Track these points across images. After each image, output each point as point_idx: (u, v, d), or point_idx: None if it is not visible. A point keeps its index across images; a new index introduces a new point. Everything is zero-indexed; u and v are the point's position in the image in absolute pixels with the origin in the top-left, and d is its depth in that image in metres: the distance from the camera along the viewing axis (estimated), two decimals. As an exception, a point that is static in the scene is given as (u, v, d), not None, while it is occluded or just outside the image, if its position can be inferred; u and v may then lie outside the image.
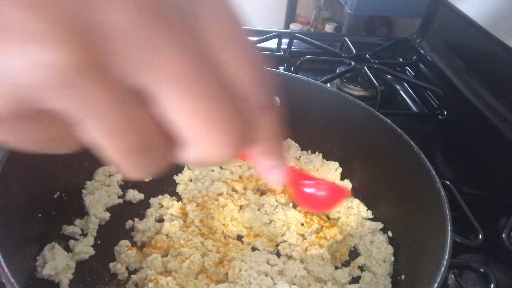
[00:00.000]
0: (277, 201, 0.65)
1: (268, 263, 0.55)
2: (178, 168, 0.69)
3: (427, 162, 0.52)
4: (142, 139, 0.18)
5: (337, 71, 0.95)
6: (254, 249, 0.59)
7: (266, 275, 0.53)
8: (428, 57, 1.05)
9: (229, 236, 0.60)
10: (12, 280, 0.37)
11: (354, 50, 1.02)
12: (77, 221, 0.58)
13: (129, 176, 0.20)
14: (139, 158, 0.19)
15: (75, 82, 0.15)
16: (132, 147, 0.18)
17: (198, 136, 0.18)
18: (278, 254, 0.58)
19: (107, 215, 0.59)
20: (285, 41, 1.06)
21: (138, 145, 0.18)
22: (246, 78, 0.20)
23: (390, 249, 0.58)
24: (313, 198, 0.36)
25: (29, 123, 0.17)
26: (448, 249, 0.43)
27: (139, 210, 0.62)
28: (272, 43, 1.06)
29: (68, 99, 0.15)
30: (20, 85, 0.15)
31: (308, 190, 0.35)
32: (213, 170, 0.68)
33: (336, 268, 0.57)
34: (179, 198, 0.64)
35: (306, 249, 0.58)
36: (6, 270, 0.37)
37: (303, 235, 0.60)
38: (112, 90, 0.16)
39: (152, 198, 0.63)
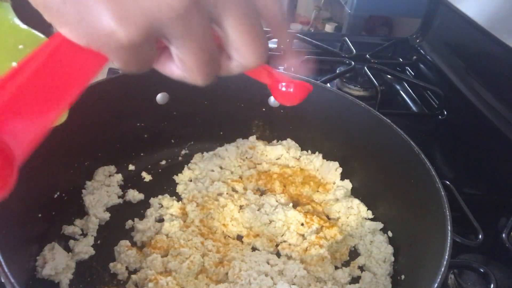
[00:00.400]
0: (277, 201, 0.65)
1: (268, 263, 0.55)
2: (178, 168, 0.69)
3: (427, 162, 0.52)
4: (212, 54, 0.28)
5: (337, 71, 0.95)
6: (254, 249, 0.59)
7: (266, 275, 0.53)
8: (428, 57, 1.04)
9: (229, 236, 0.60)
10: (12, 280, 0.37)
11: (354, 50, 1.02)
12: (77, 221, 0.58)
13: (196, 82, 0.29)
14: (207, 67, 0.28)
15: (186, 16, 0.24)
16: (206, 60, 0.27)
17: (244, 45, 0.28)
18: (278, 254, 0.58)
19: (107, 215, 0.59)
20: (285, 41, 1.06)
21: (209, 58, 0.28)
22: (272, 9, 0.31)
23: (390, 249, 0.58)
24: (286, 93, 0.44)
25: (146, 47, 0.25)
26: (448, 249, 0.43)
27: (139, 210, 0.62)
28: (272, 43, 1.06)
29: (178, 27, 0.25)
30: (153, 18, 0.24)
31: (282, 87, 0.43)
32: (213, 170, 0.68)
33: (336, 268, 0.57)
34: (179, 198, 0.64)
35: (306, 249, 0.58)
36: (6, 270, 0.37)
37: (303, 235, 0.60)
38: (203, 21, 0.25)
39: (152, 198, 0.63)
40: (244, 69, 0.31)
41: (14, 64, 0.41)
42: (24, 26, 0.43)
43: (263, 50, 0.30)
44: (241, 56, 0.29)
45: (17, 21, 0.43)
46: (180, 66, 0.28)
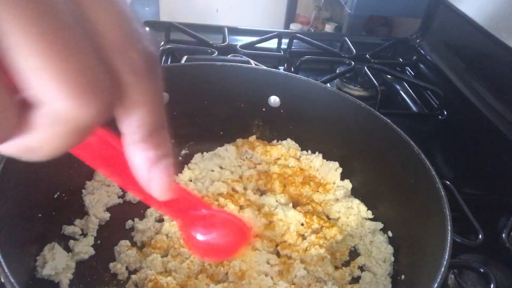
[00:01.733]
0: (277, 201, 0.65)
1: (268, 263, 0.55)
2: (178, 168, 0.69)
3: (427, 162, 0.52)
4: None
5: (337, 71, 0.95)
6: (254, 249, 0.59)
7: (266, 275, 0.53)
8: (428, 57, 1.05)
9: (229, 236, 0.60)
10: (12, 280, 0.37)
11: (354, 50, 1.02)
12: (77, 221, 0.58)
13: None
14: None
15: None
16: None
17: (54, 70, 0.16)
18: (278, 254, 0.58)
19: (107, 215, 0.59)
20: (285, 41, 1.06)
21: None
22: (113, 34, 0.18)
23: (390, 249, 0.58)
24: (208, 244, 0.30)
25: None
26: (448, 249, 0.43)
27: (139, 210, 0.62)
28: (272, 43, 1.06)
29: None
30: None
31: (201, 233, 0.29)
32: (213, 170, 0.68)
33: (336, 268, 0.57)
34: (179, 198, 0.64)
35: (306, 249, 0.58)
36: (6, 270, 0.37)
37: (303, 235, 0.60)
38: None
39: (152, 198, 0.63)
40: (63, 127, 0.18)
41: None
42: None
43: (90, 89, 0.17)
44: (44, 93, 0.16)
45: None
46: None
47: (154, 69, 0.20)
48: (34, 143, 0.19)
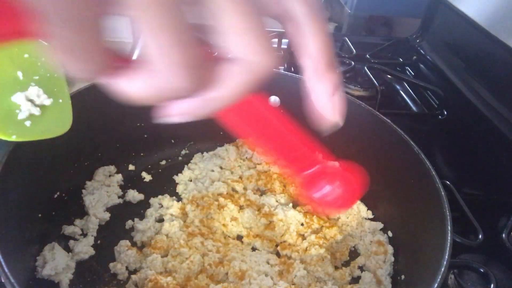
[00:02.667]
0: (277, 201, 0.65)
1: (268, 263, 0.55)
2: (178, 168, 0.69)
3: (427, 162, 0.52)
4: (196, 54, 0.21)
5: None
6: (254, 249, 0.59)
7: (266, 275, 0.53)
8: (428, 57, 1.04)
9: (229, 236, 0.60)
10: (12, 280, 0.37)
11: (354, 50, 1.02)
12: (77, 221, 0.58)
13: (181, 91, 0.22)
14: (194, 71, 0.21)
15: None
16: (190, 56, 0.21)
17: (245, 33, 0.22)
18: (278, 254, 0.58)
19: (107, 215, 0.59)
20: (285, 41, 1.06)
21: (193, 56, 0.21)
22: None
23: (390, 249, 0.58)
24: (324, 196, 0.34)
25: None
26: (448, 249, 0.43)
27: (139, 210, 0.62)
28: (272, 43, 1.06)
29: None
30: None
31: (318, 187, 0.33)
32: (213, 170, 0.68)
33: (336, 268, 0.57)
34: (179, 198, 0.64)
35: (306, 249, 0.58)
36: (6, 270, 0.37)
37: (303, 235, 0.60)
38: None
39: (152, 198, 0.63)
40: (252, 75, 0.23)
41: (19, 73, 0.42)
42: None
43: (271, 47, 0.23)
44: (244, 50, 0.22)
45: None
46: (157, 67, 0.21)
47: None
48: (221, 93, 0.23)
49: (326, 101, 0.29)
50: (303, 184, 0.35)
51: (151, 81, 0.22)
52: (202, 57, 0.22)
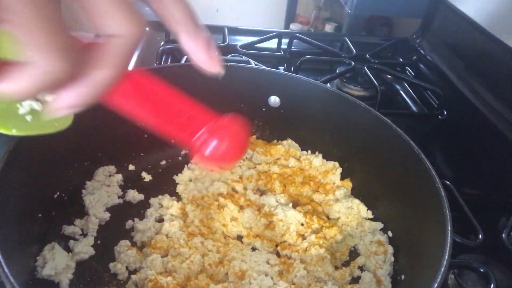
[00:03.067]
0: (277, 201, 0.65)
1: (268, 263, 0.55)
2: (178, 168, 0.69)
3: (427, 162, 0.52)
4: (60, 28, 0.23)
5: (337, 71, 0.95)
6: (254, 249, 0.59)
7: (266, 275, 0.53)
8: (428, 57, 1.05)
9: (229, 236, 0.60)
10: (12, 280, 0.37)
11: (354, 50, 1.02)
12: (77, 221, 0.58)
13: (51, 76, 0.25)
14: (58, 48, 0.24)
15: None
16: (51, 32, 0.23)
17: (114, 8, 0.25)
18: (278, 254, 0.58)
19: (107, 215, 0.59)
20: (285, 41, 1.06)
21: (56, 31, 0.23)
22: None
23: (390, 249, 0.58)
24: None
25: None
26: (448, 249, 0.43)
27: (139, 210, 0.62)
28: (272, 43, 1.06)
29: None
30: None
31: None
32: (213, 170, 0.68)
33: (336, 268, 0.57)
34: (179, 198, 0.64)
35: (306, 249, 0.58)
36: (6, 270, 0.37)
37: (303, 235, 0.60)
38: None
39: (152, 198, 0.63)
40: (125, 47, 0.26)
41: None
42: None
43: (135, 16, 0.26)
44: (112, 26, 0.25)
45: None
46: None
47: None
48: (101, 73, 0.26)
49: (204, 56, 0.33)
50: (197, 147, 0.36)
51: (28, 73, 0.24)
52: (73, 41, 0.24)
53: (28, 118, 0.41)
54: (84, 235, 0.57)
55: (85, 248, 0.54)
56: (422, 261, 0.50)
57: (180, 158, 0.72)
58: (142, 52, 0.99)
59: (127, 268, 0.53)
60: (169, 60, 0.93)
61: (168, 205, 0.62)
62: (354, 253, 0.60)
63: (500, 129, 0.74)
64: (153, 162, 0.70)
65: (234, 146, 0.38)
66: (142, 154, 0.69)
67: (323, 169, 0.69)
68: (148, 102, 0.34)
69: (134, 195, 0.63)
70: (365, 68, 0.92)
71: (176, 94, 0.36)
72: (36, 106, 0.42)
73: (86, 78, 0.26)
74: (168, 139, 0.36)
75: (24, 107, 0.42)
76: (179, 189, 0.66)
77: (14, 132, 0.42)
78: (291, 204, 0.64)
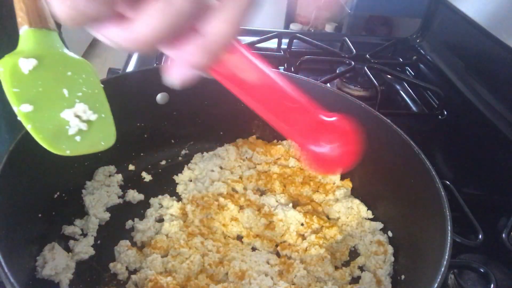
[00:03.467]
0: (277, 201, 0.65)
1: (268, 263, 0.55)
2: (178, 168, 0.69)
3: (427, 162, 0.52)
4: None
5: (337, 71, 0.95)
6: (254, 249, 0.59)
7: (266, 275, 0.53)
8: (428, 57, 1.05)
9: (229, 236, 0.60)
10: (12, 280, 0.37)
11: (354, 50, 1.02)
12: (77, 221, 0.58)
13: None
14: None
15: None
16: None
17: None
18: (278, 254, 0.58)
19: (107, 215, 0.59)
20: (285, 41, 1.06)
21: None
22: None
23: (390, 249, 0.58)
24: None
25: None
26: (448, 249, 0.43)
27: (139, 210, 0.62)
28: (272, 43, 1.06)
29: None
30: None
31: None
32: (213, 170, 0.68)
33: (336, 268, 0.57)
34: (179, 198, 0.64)
35: (306, 249, 0.58)
36: (6, 270, 0.37)
37: (303, 235, 0.60)
38: None
39: (152, 198, 0.63)
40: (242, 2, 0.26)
41: (63, 89, 0.45)
42: (71, 54, 0.47)
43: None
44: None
45: (65, 50, 0.47)
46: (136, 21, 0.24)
47: None
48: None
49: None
50: (306, 146, 0.33)
51: (161, 10, 0.24)
52: None
53: (78, 138, 0.45)
54: (84, 235, 0.57)
55: (85, 248, 0.54)
56: (422, 261, 0.50)
57: (180, 158, 0.72)
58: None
59: (127, 268, 0.53)
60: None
61: (168, 205, 0.62)
62: (354, 253, 0.60)
63: (500, 129, 0.75)
64: (153, 162, 0.70)
65: (349, 150, 0.35)
66: (142, 154, 0.69)
67: (323, 169, 0.69)
68: (256, 82, 0.32)
69: (134, 195, 0.63)
70: (365, 68, 0.92)
71: (283, 79, 0.33)
72: (83, 126, 0.45)
73: (204, 35, 0.26)
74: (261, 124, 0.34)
75: (72, 128, 0.45)
76: (179, 189, 0.66)
77: (67, 153, 0.45)
78: (291, 204, 0.64)
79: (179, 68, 0.29)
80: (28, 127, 0.43)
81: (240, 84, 0.32)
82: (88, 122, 0.47)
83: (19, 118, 0.43)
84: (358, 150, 0.33)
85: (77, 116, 0.47)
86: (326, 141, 0.33)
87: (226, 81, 0.32)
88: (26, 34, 0.45)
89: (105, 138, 0.48)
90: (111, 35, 0.26)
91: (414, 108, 0.95)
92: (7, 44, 0.46)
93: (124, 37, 0.26)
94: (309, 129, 0.33)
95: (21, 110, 0.43)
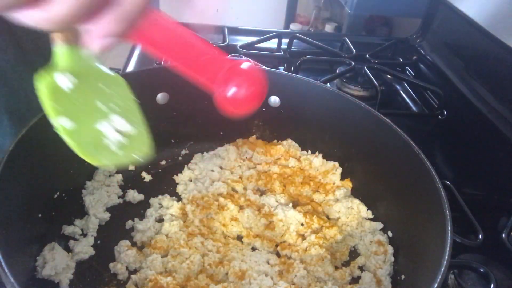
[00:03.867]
0: (277, 201, 0.65)
1: (268, 263, 0.55)
2: (178, 168, 0.69)
3: (427, 162, 0.52)
4: None
5: (337, 71, 0.95)
6: (254, 249, 0.59)
7: (266, 275, 0.53)
8: (428, 57, 1.05)
9: (229, 236, 0.60)
10: (12, 280, 0.37)
11: (354, 50, 1.02)
12: (77, 221, 0.58)
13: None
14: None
15: None
16: None
17: None
18: (278, 254, 0.58)
19: (107, 215, 0.59)
20: (285, 41, 1.06)
21: None
22: None
23: (390, 249, 0.58)
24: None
25: None
26: (448, 249, 0.43)
27: (139, 210, 0.62)
28: (272, 43, 1.06)
29: None
30: None
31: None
32: (213, 170, 0.68)
33: (336, 268, 0.57)
34: (179, 198, 0.64)
35: (306, 249, 0.58)
36: (6, 270, 0.37)
37: (303, 235, 0.60)
38: None
39: (152, 198, 0.63)
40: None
41: (97, 102, 0.47)
42: (105, 69, 0.50)
43: None
44: None
45: (98, 64, 0.49)
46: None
47: None
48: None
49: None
50: (218, 89, 0.38)
51: None
52: None
53: (116, 150, 0.47)
54: (84, 235, 0.57)
55: (85, 248, 0.54)
56: (422, 261, 0.50)
57: (180, 158, 0.72)
58: (142, 52, 0.99)
59: (127, 268, 0.53)
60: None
61: (168, 205, 0.62)
62: (354, 253, 0.60)
63: (500, 129, 0.74)
64: (153, 162, 0.70)
65: (255, 91, 0.39)
66: (142, 154, 0.69)
67: (323, 169, 0.69)
68: (170, 42, 0.36)
69: (134, 195, 0.63)
70: (365, 68, 0.92)
71: (194, 36, 0.37)
72: (121, 138, 0.47)
73: (118, 5, 0.28)
74: (195, 83, 0.38)
75: (111, 140, 0.47)
76: (179, 189, 0.66)
77: (109, 165, 0.48)
78: (291, 204, 0.64)
79: (97, 39, 0.31)
80: (69, 141, 0.45)
81: (156, 45, 0.35)
82: (125, 134, 0.49)
83: (61, 134, 0.44)
84: (264, 91, 0.38)
85: (115, 129, 0.48)
86: (234, 85, 0.38)
87: (143, 44, 0.35)
88: (61, 50, 0.46)
89: (142, 148, 0.50)
90: (29, 17, 0.27)
91: (414, 108, 0.95)
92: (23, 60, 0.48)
93: (42, 18, 0.27)
94: (220, 75, 0.38)
95: (61, 124, 0.45)
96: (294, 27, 2.09)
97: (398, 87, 1.02)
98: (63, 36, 0.45)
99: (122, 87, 0.51)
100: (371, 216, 0.63)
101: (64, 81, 0.46)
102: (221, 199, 0.62)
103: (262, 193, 0.67)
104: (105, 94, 0.49)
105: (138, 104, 0.51)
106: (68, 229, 0.56)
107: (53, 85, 0.43)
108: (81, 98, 0.46)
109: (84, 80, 0.46)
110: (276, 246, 0.59)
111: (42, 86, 0.43)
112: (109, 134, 0.47)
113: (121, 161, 0.48)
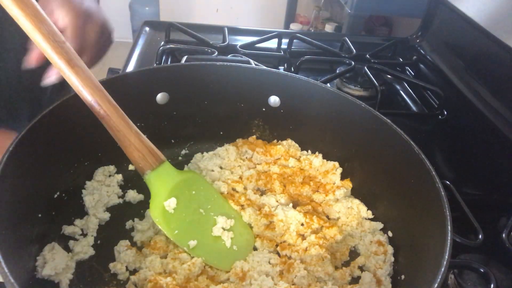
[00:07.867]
0: (277, 201, 0.65)
1: (269, 263, 0.55)
2: (178, 168, 0.69)
3: (427, 162, 0.52)
4: None
5: (337, 71, 0.95)
6: (254, 249, 0.58)
7: (267, 275, 0.53)
8: (428, 57, 1.05)
9: (229, 236, 0.60)
10: (12, 280, 0.37)
11: (354, 50, 1.02)
12: (77, 221, 0.58)
13: None
14: None
15: None
16: None
17: None
18: (278, 255, 0.58)
19: (107, 215, 0.59)
20: (285, 41, 1.06)
21: None
22: None
23: (390, 249, 0.58)
24: None
25: None
26: (448, 249, 0.43)
27: (139, 210, 0.62)
28: (272, 43, 1.06)
29: None
30: None
31: None
32: (213, 170, 0.68)
33: (336, 268, 0.57)
34: (179, 198, 0.64)
35: (306, 249, 0.58)
36: (6, 270, 0.37)
37: (303, 235, 0.60)
38: None
39: (152, 198, 0.63)
40: None
41: (200, 210, 0.56)
42: (185, 173, 0.57)
43: None
44: None
45: (177, 171, 0.57)
46: None
47: None
48: None
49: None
50: None
51: None
52: None
53: (234, 247, 0.54)
54: (84, 235, 0.57)
55: (85, 248, 0.54)
56: (422, 261, 0.50)
57: (180, 158, 0.72)
58: (142, 52, 0.99)
59: (127, 268, 0.53)
60: (169, 60, 0.93)
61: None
62: (354, 253, 0.60)
63: (500, 129, 0.75)
64: (153, 162, 0.70)
65: None
66: (142, 154, 0.69)
67: (323, 169, 0.69)
68: None
69: (134, 195, 0.63)
70: (365, 68, 0.92)
71: None
72: (231, 235, 0.54)
73: None
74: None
75: (226, 240, 0.53)
76: (179, 189, 0.65)
77: (236, 263, 0.53)
78: (291, 204, 0.64)
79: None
80: (201, 259, 0.51)
81: None
82: (230, 228, 0.54)
83: (193, 255, 0.52)
84: None
85: (223, 228, 0.54)
86: None
87: None
88: (152, 177, 0.52)
89: (249, 240, 0.55)
90: None
91: (414, 108, 0.95)
92: None
93: None
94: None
95: (190, 245, 0.51)
96: (294, 27, 2.09)
97: (398, 87, 1.02)
98: (149, 165, 0.51)
99: (203, 184, 0.57)
100: (371, 216, 0.63)
101: (172, 206, 0.52)
102: (221, 199, 0.62)
103: (262, 193, 0.67)
104: (198, 197, 0.54)
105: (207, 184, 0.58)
106: (68, 229, 0.56)
107: (165, 215, 0.50)
108: (187, 211, 0.52)
109: (180, 194, 0.52)
110: (276, 246, 0.59)
111: (159, 219, 0.50)
112: (224, 235, 0.52)
113: (243, 256, 0.53)
